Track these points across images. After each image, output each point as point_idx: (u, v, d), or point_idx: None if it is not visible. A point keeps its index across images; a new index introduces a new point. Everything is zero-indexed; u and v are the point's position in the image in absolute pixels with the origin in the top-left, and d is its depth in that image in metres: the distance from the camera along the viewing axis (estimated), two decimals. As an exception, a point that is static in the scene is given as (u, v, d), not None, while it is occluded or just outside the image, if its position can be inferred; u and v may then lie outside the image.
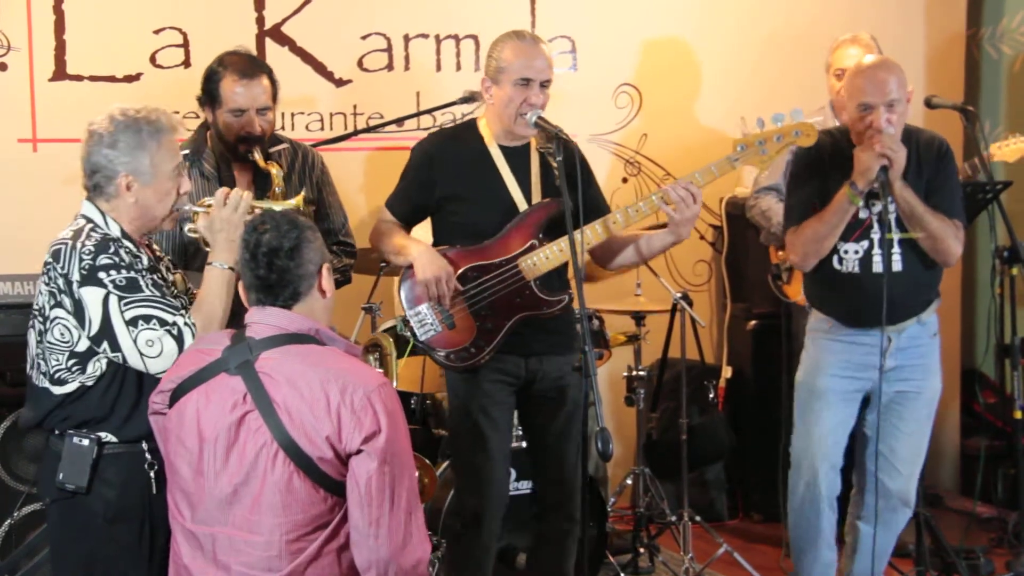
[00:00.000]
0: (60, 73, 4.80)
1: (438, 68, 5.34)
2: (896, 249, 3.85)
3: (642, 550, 4.85)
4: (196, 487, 2.63)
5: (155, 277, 2.97)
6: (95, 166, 2.97)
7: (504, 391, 3.67)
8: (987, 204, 4.58)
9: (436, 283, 3.55)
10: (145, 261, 2.98)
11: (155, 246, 3.20)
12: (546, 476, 3.78)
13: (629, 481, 5.06)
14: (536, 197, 3.66)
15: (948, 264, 3.97)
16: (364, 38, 5.23)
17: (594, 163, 3.87)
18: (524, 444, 4.00)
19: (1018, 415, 4.58)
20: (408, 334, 3.69)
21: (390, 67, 5.27)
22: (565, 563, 3.76)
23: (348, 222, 4.14)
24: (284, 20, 5.10)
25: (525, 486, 4.17)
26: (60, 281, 2.89)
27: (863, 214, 3.85)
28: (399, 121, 5.03)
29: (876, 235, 3.85)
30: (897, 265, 3.85)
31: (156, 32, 4.92)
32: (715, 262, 5.82)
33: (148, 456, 2.94)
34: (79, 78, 4.83)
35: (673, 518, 4.88)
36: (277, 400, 2.57)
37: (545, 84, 3.61)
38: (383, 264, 4.30)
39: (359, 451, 2.54)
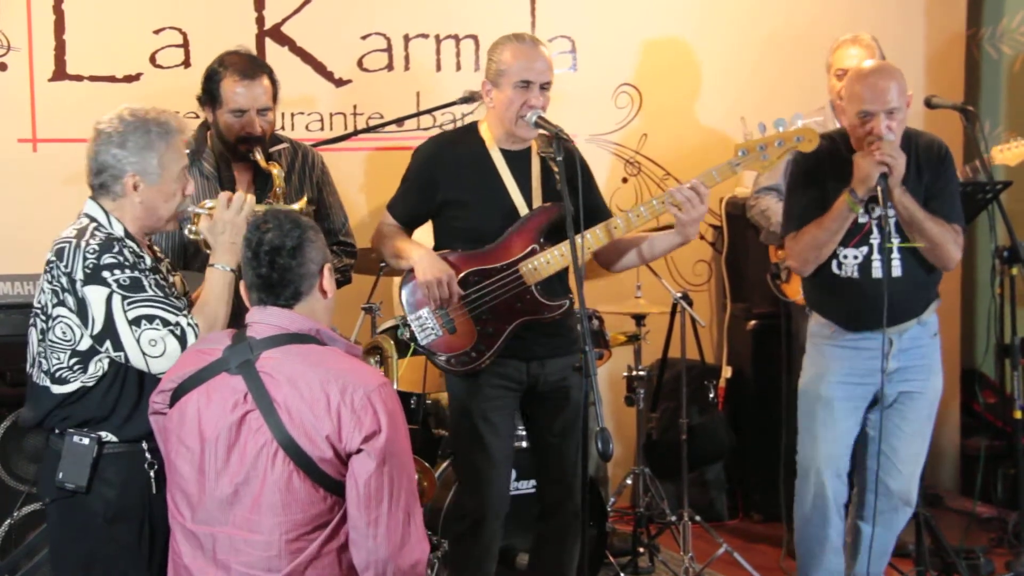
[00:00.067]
0: (60, 73, 4.80)
1: (438, 68, 5.34)
2: (895, 254, 3.85)
3: (642, 550, 4.85)
4: (197, 487, 2.63)
5: (157, 278, 2.97)
6: (103, 165, 2.97)
7: (506, 395, 3.67)
8: (987, 204, 4.58)
9: (437, 286, 3.55)
10: (148, 261, 2.99)
11: (155, 247, 3.20)
12: (548, 476, 3.78)
13: (629, 481, 5.06)
14: (537, 201, 3.66)
15: (947, 269, 3.97)
16: (364, 38, 5.22)
17: (594, 163, 3.87)
18: (524, 444, 4.01)
19: (1018, 415, 4.58)
20: (408, 337, 3.69)
21: (390, 67, 5.27)
22: (566, 563, 3.76)
23: (348, 222, 4.14)
24: (284, 20, 5.10)
25: (526, 486, 4.17)
26: (63, 279, 2.89)
27: (863, 219, 3.85)
28: (399, 121, 5.03)
29: (876, 240, 3.85)
30: (896, 270, 3.84)
31: (156, 32, 4.92)
32: (715, 262, 5.82)
33: (148, 456, 2.94)
34: (79, 78, 4.82)
35: (673, 518, 4.88)
36: (278, 400, 2.57)
37: (545, 86, 3.61)
38: (383, 264, 4.30)
39: (359, 451, 2.54)
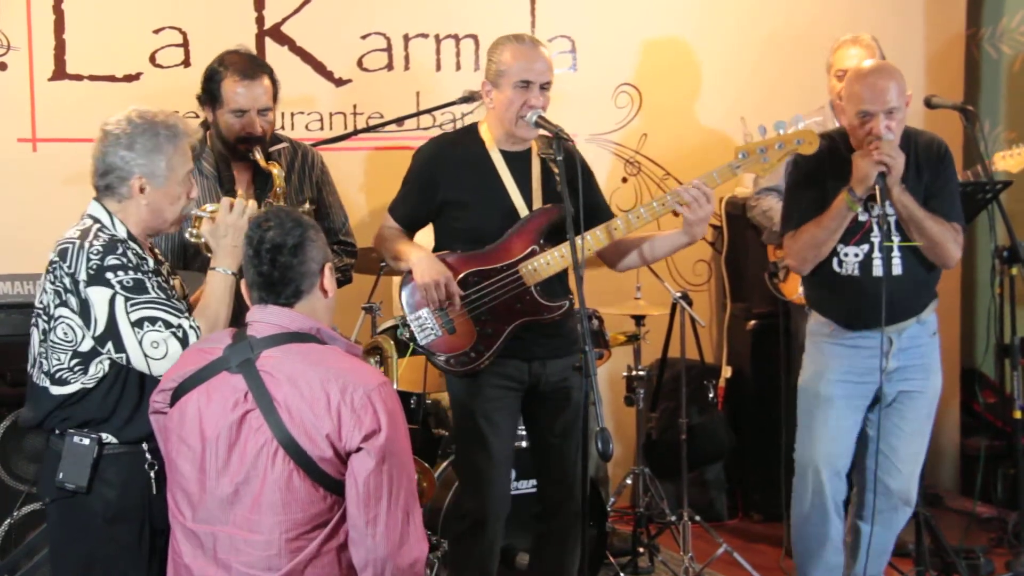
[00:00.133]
0: (60, 73, 4.80)
1: (438, 68, 5.34)
2: (896, 253, 3.85)
3: (642, 550, 4.85)
4: (198, 486, 2.63)
5: (159, 280, 2.98)
6: (110, 166, 2.97)
7: (507, 396, 3.67)
8: (987, 204, 4.58)
9: (435, 287, 3.55)
10: (151, 263, 2.99)
11: (155, 249, 3.20)
12: (549, 476, 3.78)
13: (629, 481, 5.06)
14: (537, 202, 3.66)
15: (947, 267, 3.98)
16: (364, 38, 5.22)
17: (594, 163, 3.87)
18: (524, 444, 4.01)
19: (1018, 415, 4.58)
20: (407, 338, 3.69)
21: (390, 67, 5.27)
22: (567, 563, 3.76)
23: (348, 221, 4.14)
24: (284, 20, 5.10)
25: (526, 486, 4.17)
26: (66, 280, 2.89)
27: (863, 217, 3.85)
28: (399, 121, 5.03)
29: (876, 239, 3.85)
30: (897, 268, 3.85)
31: (156, 32, 4.91)
32: (715, 262, 5.82)
33: (148, 456, 2.94)
34: (79, 78, 4.82)
35: (673, 518, 4.88)
36: (278, 398, 2.58)
37: (545, 86, 3.61)
38: (383, 264, 4.30)
39: (358, 449, 2.54)
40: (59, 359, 2.93)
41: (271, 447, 2.56)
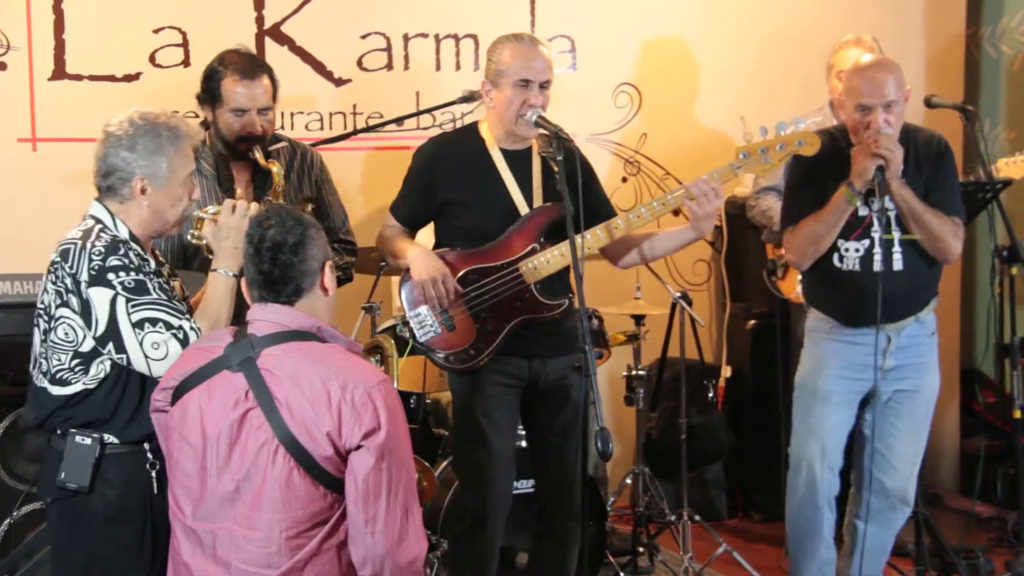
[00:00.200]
0: (59, 72, 4.80)
1: (437, 67, 5.34)
2: (897, 248, 3.85)
3: (642, 550, 4.85)
4: (199, 483, 2.63)
5: (160, 281, 2.98)
6: (111, 167, 2.97)
7: (507, 393, 3.67)
8: (987, 203, 4.58)
9: (432, 284, 3.55)
10: (152, 264, 2.99)
11: (156, 250, 3.20)
12: (548, 476, 3.78)
13: (629, 481, 5.05)
14: (538, 201, 3.66)
15: (948, 262, 3.97)
16: (364, 37, 5.23)
17: (594, 162, 3.87)
18: (523, 443, 4.00)
19: (1018, 415, 4.58)
20: (407, 335, 3.69)
21: (389, 67, 5.27)
22: (566, 562, 3.76)
23: (348, 220, 4.15)
24: (284, 19, 5.10)
25: (525, 485, 4.17)
26: (68, 280, 2.89)
27: (863, 212, 3.85)
28: (399, 120, 5.03)
29: (877, 234, 3.85)
30: (898, 264, 3.84)
31: (156, 32, 4.92)
32: (714, 262, 5.82)
33: (150, 456, 2.94)
34: (79, 77, 4.82)
35: (673, 518, 4.88)
36: (279, 397, 2.58)
37: (544, 85, 3.61)
38: (383, 263, 4.31)
39: (358, 447, 2.54)
40: (60, 359, 2.93)
41: (272, 445, 2.57)
